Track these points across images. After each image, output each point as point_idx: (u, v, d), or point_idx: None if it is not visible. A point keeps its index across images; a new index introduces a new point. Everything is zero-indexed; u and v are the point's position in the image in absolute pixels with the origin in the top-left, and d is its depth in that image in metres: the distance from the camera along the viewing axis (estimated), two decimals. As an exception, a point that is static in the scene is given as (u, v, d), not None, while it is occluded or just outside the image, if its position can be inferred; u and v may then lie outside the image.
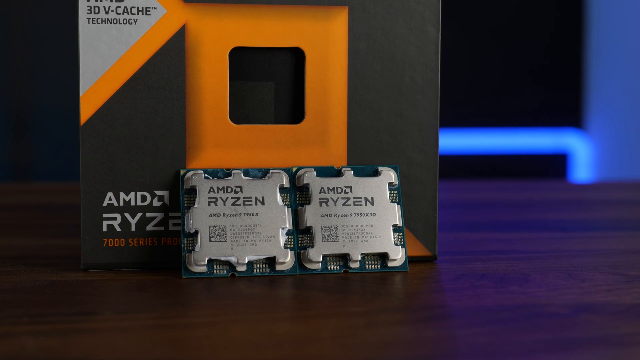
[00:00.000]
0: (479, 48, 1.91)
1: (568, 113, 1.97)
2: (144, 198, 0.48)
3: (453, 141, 1.91)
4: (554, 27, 1.94)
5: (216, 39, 0.48)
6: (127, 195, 0.48)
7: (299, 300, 0.42)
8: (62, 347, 0.34)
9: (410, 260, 0.50)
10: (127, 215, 0.48)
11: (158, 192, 0.48)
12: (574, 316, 0.39)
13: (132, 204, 0.48)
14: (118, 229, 0.48)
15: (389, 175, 0.49)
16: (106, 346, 0.34)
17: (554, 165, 1.98)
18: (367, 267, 0.48)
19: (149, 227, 0.48)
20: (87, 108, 0.47)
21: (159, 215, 0.48)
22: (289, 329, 0.37)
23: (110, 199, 0.47)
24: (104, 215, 0.47)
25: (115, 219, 0.48)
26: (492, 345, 0.35)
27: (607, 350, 0.34)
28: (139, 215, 0.48)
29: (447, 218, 0.70)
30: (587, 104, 1.98)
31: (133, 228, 0.48)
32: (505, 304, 0.41)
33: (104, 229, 0.47)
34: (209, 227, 0.46)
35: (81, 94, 0.47)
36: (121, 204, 0.48)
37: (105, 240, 0.48)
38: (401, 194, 0.49)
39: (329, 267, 0.47)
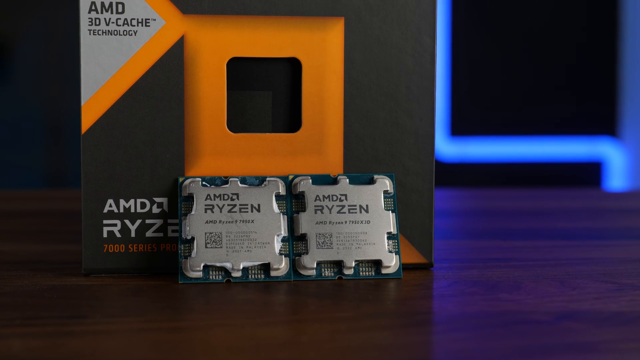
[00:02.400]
0: (512, 55, 1.91)
1: (602, 121, 1.96)
2: (143, 205, 0.49)
3: (486, 149, 1.91)
4: (588, 34, 1.93)
5: (214, 50, 0.49)
6: (127, 202, 0.49)
7: (288, 305, 0.43)
8: (46, 349, 0.35)
9: (407, 267, 0.51)
10: (127, 221, 0.49)
11: (157, 199, 0.49)
12: (556, 323, 0.39)
13: (132, 210, 0.49)
14: (118, 235, 0.49)
15: (384, 184, 0.50)
16: (89, 348, 0.35)
17: (589, 173, 1.97)
18: (361, 273, 0.48)
19: (149, 234, 0.49)
20: (88, 117, 0.48)
21: (158, 222, 0.49)
22: (270, 333, 0.38)
23: (110, 205, 0.49)
24: (105, 222, 0.49)
25: (115, 225, 0.49)
26: (465, 351, 0.35)
27: (580, 356, 0.35)
28: (138, 221, 0.49)
29: (457, 225, 0.71)
30: (622, 112, 1.97)
31: (133, 234, 0.49)
32: (490, 311, 0.41)
33: (105, 235, 0.49)
34: (205, 233, 0.47)
35: (82, 103, 0.48)
36: (121, 210, 0.49)
37: (106, 246, 0.49)
38: (397, 202, 0.50)
39: (323, 274, 0.48)
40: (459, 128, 1.87)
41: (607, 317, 0.40)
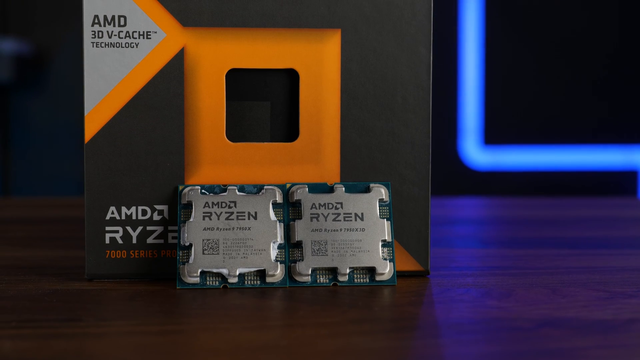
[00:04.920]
0: (545, 63, 1.90)
1: (638, 129, 1.94)
2: (144, 212, 0.50)
3: (519, 158, 1.90)
4: (622, 41, 1.92)
5: (213, 61, 0.50)
6: (128, 209, 0.50)
7: (277, 311, 0.44)
8: (34, 350, 0.36)
9: (403, 274, 0.51)
10: (128, 228, 0.50)
11: (158, 207, 0.50)
12: (535, 330, 0.40)
13: (134, 217, 0.50)
14: (120, 241, 0.50)
15: (380, 192, 0.50)
16: (74, 350, 0.37)
17: (624, 182, 1.95)
18: (355, 280, 0.49)
19: (149, 240, 0.50)
20: (91, 127, 0.50)
21: (159, 229, 0.50)
22: (253, 336, 0.39)
23: (112, 212, 0.50)
24: (107, 228, 0.50)
25: (117, 231, 0.50)
26: (438, 356, 0.36)
27: (550, 363, 0.35)
28: (139, 228, 0.50)
29: (468, 233, 0.71)
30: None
31: (134, 241, 0.50)
32: (474, 318, 0.42)
33: (107, 241, 0.50)
34: (203, 240, 0.49)
35: (86, 113, 0.50)
36: (123, 217, 0.50)
37: (108, 251, 0.50)
38: (392, 210, 0.51)
39: (318, 280, 0.49)
40: (492, 137, 1.87)
41: (589, 324, 0.41)
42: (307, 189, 0.50)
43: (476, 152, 1.87)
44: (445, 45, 1.87)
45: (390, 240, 0.50)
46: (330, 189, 0.51)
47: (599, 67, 1.91)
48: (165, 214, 0.50)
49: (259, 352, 0.36)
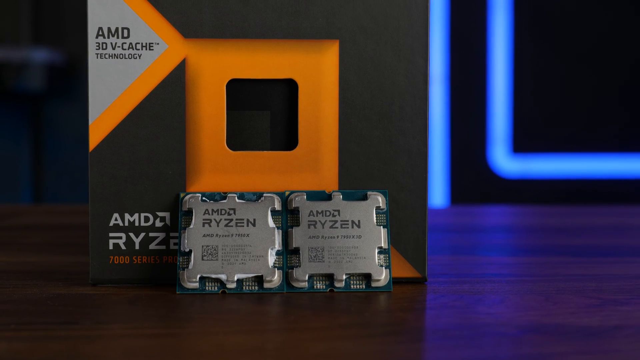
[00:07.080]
0: (574, 71, 1.89)
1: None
2: (147, 219, 0.52)
3: (548, 166, 1.90)
4: (654, 50, 1.90)
5: (214, 72, 0.51)
6: (131, 216, 0.52)
7: (270, 315, 0.45)
8: (27, 351, 0.38)
9: (400, 281, 0.52)
10: (131, 234, 0.52)
11: (160, 214, 0.52)
12: (519, 336, 0.40)
13: (136, 224, 0.52)
14: (123, 247, 0.52)
15: (377, 200, 0.51)
16: (66, 352, 0.38)
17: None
18: (352, 286, 0.50)
19: (152, 246, 0.52)
20: (96, 136, 0.51)
21: (161, 235, 0.52)
22: (241, 340, 0.40)
23: (116, 219, 0.52)
24: (110, 235, 0.52)
25: (120, 238, 0.52)
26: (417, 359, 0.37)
27: (526, 368, 0.36)
28: (142, 234, 0.52)
29: (476, 242, 0.72)
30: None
31: (137, 247, 0.52)
32: (462, 324, 0.43)
33: (110, 247, 0.52)
34: (202, 246, 0.50)
35: (90, 122, 0.51)
36: (126, 224, 0.52)
37: (112, 257, 0.52)
38: (390, 218, 0.52)
39: (315, 286, 0.50)
40: (521, 145, 1.87)
41: (572, 331, 0.41)
42: (305, 197, 0.51)
43: (505, 160, 1.87)
44: (473, 53, 1.87)
45: (386, 247, 0.51)
46: (328, 197, 0.52)
47: (627, 75, 1.90)
48: (167, 221, 0.52)
49: (243, 355, 0.37)
